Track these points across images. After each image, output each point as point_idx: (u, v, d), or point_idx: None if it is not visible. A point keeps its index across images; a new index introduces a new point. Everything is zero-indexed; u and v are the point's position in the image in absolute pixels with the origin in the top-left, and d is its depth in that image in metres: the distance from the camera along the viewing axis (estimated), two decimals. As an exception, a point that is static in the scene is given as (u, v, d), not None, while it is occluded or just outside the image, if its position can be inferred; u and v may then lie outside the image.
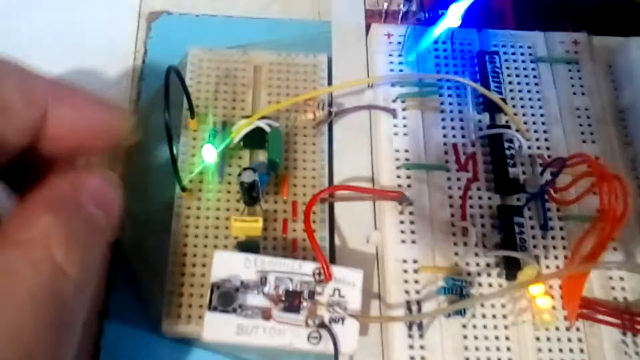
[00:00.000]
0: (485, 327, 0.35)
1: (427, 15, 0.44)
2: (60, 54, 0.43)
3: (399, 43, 0.43)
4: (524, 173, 0.39)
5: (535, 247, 0.37)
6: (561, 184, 0.38)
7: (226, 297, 0.32)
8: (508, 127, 0.40)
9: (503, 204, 0.38)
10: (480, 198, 0.38)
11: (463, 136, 0.40)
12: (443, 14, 0.40)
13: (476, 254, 0.37)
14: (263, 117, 0.39)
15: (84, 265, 0.26)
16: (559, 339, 0.35)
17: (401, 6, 0.45)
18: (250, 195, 0.35)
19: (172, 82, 0.32)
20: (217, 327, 0.32)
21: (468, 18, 0.40)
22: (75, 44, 0.44)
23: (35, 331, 0.23)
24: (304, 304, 0.32)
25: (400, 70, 0.42)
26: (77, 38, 0.45)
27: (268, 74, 0.42)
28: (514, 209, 0.38)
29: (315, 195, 0.36)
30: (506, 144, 0.39)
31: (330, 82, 0.43)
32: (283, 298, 0.32)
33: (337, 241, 0.38)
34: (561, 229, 0.38)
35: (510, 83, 0.42)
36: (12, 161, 0.28)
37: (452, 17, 0.40)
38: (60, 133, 0.29)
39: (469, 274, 0.36)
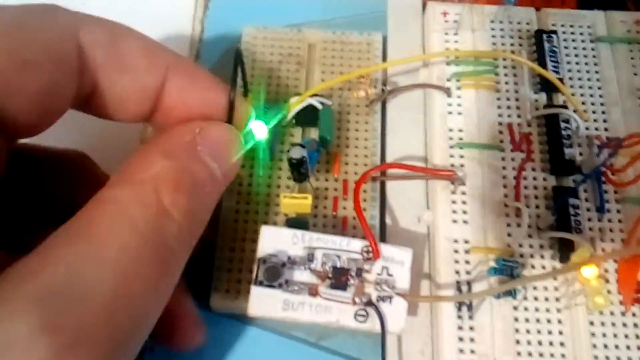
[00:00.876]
0: (537, 309, 0.34)
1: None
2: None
3: (455, 21, 0.42)
4: (580, 154, 0.38)
5: (590, 229, 0.36)
6: (619, 166, 0.37)
7: (272, 272, 0.32)
8: (565, 107, 0.39)
9: (558, 185, 0.37)
10: (534, 179, 0.37)
11: (518, 116, 0.39)
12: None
13: (529, 236, 0.36)
14: (315, 95, 0.39)
15: (189, 211, 0.26)
16: (613, 324, 0.34)
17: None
18: (298, 171, 0.35)
19: (229, 60, 0.31)
20: (262, 302, 0.32)
21: None
22: (132, 22, 0.44)
23: (135, 264, 0.24)
24: (351, 281, 0.32)
25: (456, 49, 0.41)
26: (135, 16, 0.45)
27: (322, 52, 0.42)
28: (568, 190, 0.37)
29: (366, 173, 0.36)
30: (563, 125, 0.38)
31: (384, 61, 0.42)
32: (330, 275, 0.32)
33: (387, 220, 0.38)
34: (618, 211, 0.37)
35: (568, 63, 0.41)
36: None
37: None
38: (174, 103, 0.29)
39: (521, 255, 0.35)
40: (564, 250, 0.35)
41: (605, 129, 0.39)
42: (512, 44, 0.42)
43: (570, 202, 0.36)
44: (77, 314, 0.22)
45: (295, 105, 0.38)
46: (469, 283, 0.34)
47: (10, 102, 0.24)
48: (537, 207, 0.37)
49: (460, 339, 0.33)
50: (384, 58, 0.42)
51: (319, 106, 0.38)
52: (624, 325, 0.34)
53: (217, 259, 0.35)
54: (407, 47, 0.43)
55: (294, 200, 0.35)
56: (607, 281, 0.34)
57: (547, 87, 0.40)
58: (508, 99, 0.40)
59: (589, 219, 0.36)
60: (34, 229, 0.27)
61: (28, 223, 0.29)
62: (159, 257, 0.25)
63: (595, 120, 0.39)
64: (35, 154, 0.31)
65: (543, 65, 0.40)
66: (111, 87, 0.28)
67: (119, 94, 0.28)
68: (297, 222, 0.36)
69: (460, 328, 0.34)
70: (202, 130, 0.28)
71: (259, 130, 0.34)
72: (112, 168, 0.32)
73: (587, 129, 0.39)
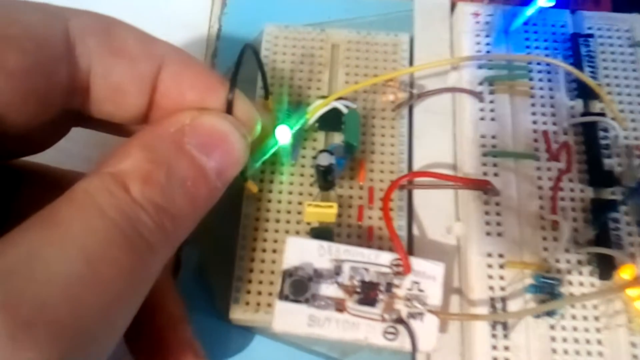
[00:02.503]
0: (575, 329, 0.32)
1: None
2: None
3: (487, 23, 0.40)
4: (619, 165, 0.36)
5: (631, 245, 0.34)
6: (661, 178, 0.35)
7: (299, 286, 0.30)
8: (603, 114, 0.37)
9: (597, 198, 0.35)
10: (571, 190, 0.36)
11: (554, 123, 0.37)
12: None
13: (567, 250, 0.34)
14: (340, 98, 0.37)
15: (165, 207, 0.25)
16: (656, 346, 0.32)
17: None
18: (325, 179, 0.33)
19: (247, 60, 0.30)
20: (287, 317, 0.30)
21: None
22: (150, 18, 0.43)
23: (103, 248, 0.22)
24: (381, 296, 0.30)
25: (488, 52, 0.40)
26: (153, 13, 0.44)
27: (346, 52, 0.40)
28: (608, 203, 0.35)
29: (395, 182, 0.34)
30: (601, 133, 0.37)
31: (411, 63, 0.41)
32: (358, 289, 0.31)
33: (415, 231, 0.36)
34: (659, 226, 0.35)
35: (605, 68, 0.39)
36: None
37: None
38: (170, 94, 0.28)
39: (558, 271, 0.33)
40: (604, 266, 0.33)
41: (646, 139, 0.37)
42: (546, 47, 0.40)
43: (610, 216, 0.34)
44: (36, 293, 0.21)
45: (319, 108, 0.36)
46: (503, 300, 0.33)
47: None
48: (574, 220, 0.35)
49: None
50: (411, 59, 0.41)
51: (344, 110, 0.37)
52: (668, 347, 0.32)
53: (237, 270, 0.34)
54: (435, 49, 0.41)
55: (318, 209, 0.33)
56: (650, 301, 0.33)
57: (584, 93, 0.38)
58: (543, 105, 0.38)
59: (629, 234, 0.34)
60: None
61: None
62: (132, 244, 0.23)
63: (634, 129, 0.37)
64: (49, 177, 0.30)
65: (580, 70, 0.38)
66: (106, 75, 0.26)
67: (115, 83, 0.26)
68: (321, 232, 0.34)
69: (494, 348, 0.32)
70: (193, 120, 0.27)
71: (282, 134, 0.32)
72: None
73: (626, 138, 0.37)
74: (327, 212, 0.33)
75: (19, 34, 0.24)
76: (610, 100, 0.38)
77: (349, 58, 0.40)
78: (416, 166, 0.37)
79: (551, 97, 0.38)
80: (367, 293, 0.30)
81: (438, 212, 0.36)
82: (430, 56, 0.40)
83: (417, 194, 0.37)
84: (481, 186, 0.34)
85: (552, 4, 0.38)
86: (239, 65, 0.29)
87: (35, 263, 0.21)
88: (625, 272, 0.32)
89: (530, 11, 0.38)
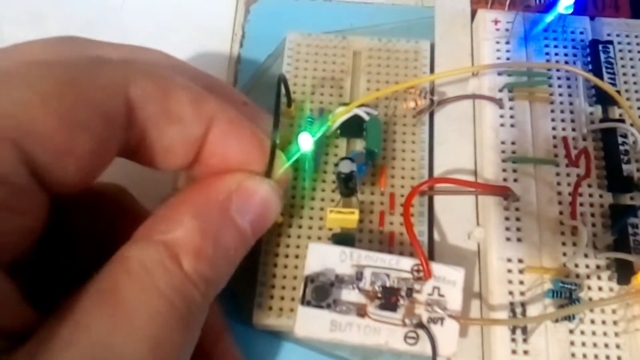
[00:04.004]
0: (594, 333, 0.33)
1: (538, 0, 0.42)
2: (159, 36, 0.43)
3: (507, 30, 0.41)
4: (638, 170, 0.36)
5: (650, 250, 0.34)
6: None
7: (321, 292, 0.31)
8: (622, 121, 0.37)
9: (615, 203, 0.36)
10: (590, 196, 0.36)
11: (573, 129, 0.38)
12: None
13: (586, 255, 0.34)
14: (361, 105, 0.38)
15: (212, 279, 0.26)
16: (676, 351, 0.32)
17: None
18: (347, 186, 0.34)
19: (269, 68, 0.30)
20: (310, 323, 0.31)
21: (580, 5, 0.39)
22: (173, 26, 0.44)
23: (164, 331, 0.24)
24: (401, 301, 0.31)
25: (508, 59, 0.40)
26: (176, 20, 0.45)
27: (367, 60, 0.41)
28: (627, 208, 0.35)
29: (416, 188, 0.34)
30: (620, 139, 0.37)
31: (432, 70, 0.41)
32: (379, 295, 0.31)
33: (436, 236, 0.36)
34: (679, 231, 0.35)
35: (624, 75, 0.40)
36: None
37: (565, 3, 0.38)
38: (215, 152, 0.28)
39: (577, 276, 0.34)
40: (623, 271, 0.33)
41: (665, 145, 0.37)
42: (565, 54, 0.40)
43: (629, 221, 0.34)
44: None
45: (341, 115, 0.37)
46: (523, 305, 0.33)
47: (57, 164, 0.23)
48: (593, 225, 0.35)
49: (514, 364, 0.32)
50: (432, 66, 0.41)
51: (366, 117, 0.37)
52: (688, 352, 0.32)
53: (261, 275, 0.34)
54: (456, 56, 0.42)
55: (340, 215, 0.34)
56: (669, 306, 0.33)
57: (603, 99, 0.38)
58: (562, 112, 0.38)
59: (649, 239, 0.35)
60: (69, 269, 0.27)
61: (65, 265, 0.29)
62: (184, 322, 0.25)
63: (654, 135, 0.38)
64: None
65: (599, 76, 0.38)
66: (158, 139, 0.27)
67: (165, 145, 0.27)
68: (343, 238, 0.34)
69: (514, 352, 0.32)
70: (239, 187, 0.28)
71: (305, 141, 0.33)
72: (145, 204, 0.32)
73: (645, 145, 0.37)
74: (348, 218, 0.34)
75: (88, 118, 0.24)
76: (629, 106, 0.38)
77: (370, 65, 0.41)
78: (437, 172, 0.38)
79: (570, 104, 0.38)
80: (388, 298, 0.31)
81: (458, 217, 0.37)
82: (451, 63, 0.41)
83: (438, 199, 0.37)
84: (501, 192, 0.35)
85: (571, 10, 0.38)
86: (277, 117, 0.30)
87: (109, 354, 0.22)
88: (644, 277, 0.32)
89: (550, 18, 0.39)
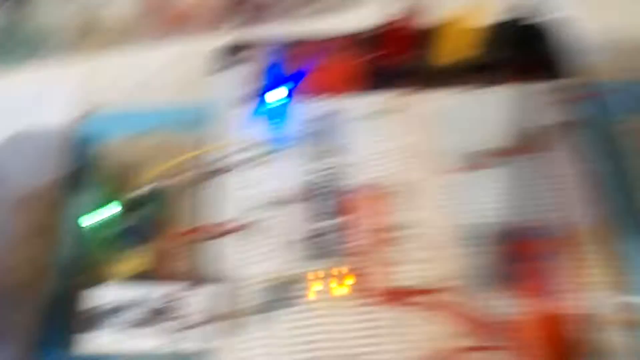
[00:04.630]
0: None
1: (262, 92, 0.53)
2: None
3: (250, 119, 0.53)
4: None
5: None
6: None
7: (111, 317, 0.42)
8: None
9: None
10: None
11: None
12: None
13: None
14: (150, 183, 0.49)
15: None
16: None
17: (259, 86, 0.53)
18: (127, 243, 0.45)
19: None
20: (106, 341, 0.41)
21: (307, 86, 0.52)
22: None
23: None
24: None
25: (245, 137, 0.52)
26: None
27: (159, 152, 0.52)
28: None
29: (176, 235, 0.46)
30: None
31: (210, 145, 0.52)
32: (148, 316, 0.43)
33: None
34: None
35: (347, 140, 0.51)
36: None
37: (279, 94, 0.52)
38: None
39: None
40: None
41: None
42: (287, 134, 0.53)
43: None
44: None
45: (131, 194, 0.48)
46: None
47: None
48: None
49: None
50: (216, 141, 0.52)
51: (147, 192, 0.49)
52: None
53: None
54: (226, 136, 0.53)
55: (132, 262, 0.45)
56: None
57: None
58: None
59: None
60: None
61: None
62: None
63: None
64: None
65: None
66: None
67: None
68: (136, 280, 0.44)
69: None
70: None
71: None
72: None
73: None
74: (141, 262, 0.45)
75: None
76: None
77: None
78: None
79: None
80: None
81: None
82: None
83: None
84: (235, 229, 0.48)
85: (286, 101, 0.52)
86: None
87: None
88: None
89: (268, 100, 0.52)
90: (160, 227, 0.48)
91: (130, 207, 0.49)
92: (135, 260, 0.45)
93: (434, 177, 0.48)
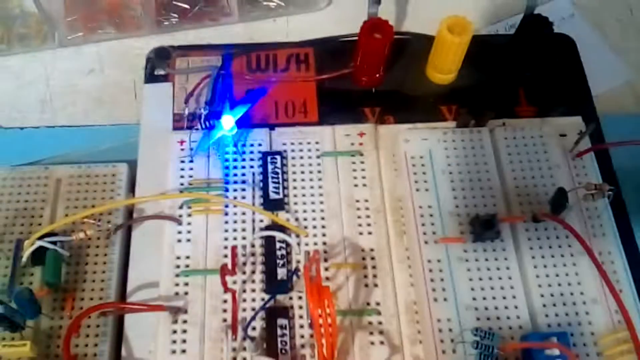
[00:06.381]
0: None
1: (208, 123, 0.46)
2: None
3: (192, 149, 0.45)
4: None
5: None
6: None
7: None
8: (283, 228, 0.42)
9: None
10: (253, 300, 0.40)
11: (244, 238, 0.42)
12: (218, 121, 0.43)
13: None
14: (53, 234, 0.41)
15: None
16: None
17: (202, 110, 0.46)
18: (9, 324, 0.36)
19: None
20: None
21: (245, 121, 0.45)
22: None
23: None
24: None
25: (191, 176, 0.44)
26: None
27: (67, 187, 0.44)
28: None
29: (77, 318, 0.37)
30: (279, 244, 0.41)
31: (134, 188, 0.44)
32: None
33: (123, 352, 0.39)
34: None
35: (295, 180, 0.44)
36: None
37: (226, 125, 0.42)
38: None
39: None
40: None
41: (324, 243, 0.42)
42: (243, 167, 0.45)
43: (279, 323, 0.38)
44: None
45: (28, 247, 0.40)
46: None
47: None
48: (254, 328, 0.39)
49: None
50: (133, 186, 0.45)
51: (49, 246, 0.40)
52: None
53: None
54: (156, 174, 0.45)
55: (12, 349, 0.37)
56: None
57: (272, 206, 0.43)
58: (235, 222, 0.42)
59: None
60: None
61: None
62: None
63: (314, 235, 0.42)
64: None
65: (266, 185, 0.43)
66: None
67: None
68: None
69: None
70: None
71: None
72: None
73: (306, 244, 0.41)
74: (21, 350, 0.37)
75: None
76: (294, 210, 0.42)
77: (70, 192, 0.44)
78: (130, 287, 0.41)
79: (243, 213, 0.42)
80: None
81: (147, 333, 0.39)
82: (152, 182, 0.44)
83: (129, 317, 0.40)
84: (159, 310, 0.38)
85: (234, 131, 0.43)
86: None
87: None
88: None
89: (215, 138, 0.44)
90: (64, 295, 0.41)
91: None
92: (16, 345, 0.37)
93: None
